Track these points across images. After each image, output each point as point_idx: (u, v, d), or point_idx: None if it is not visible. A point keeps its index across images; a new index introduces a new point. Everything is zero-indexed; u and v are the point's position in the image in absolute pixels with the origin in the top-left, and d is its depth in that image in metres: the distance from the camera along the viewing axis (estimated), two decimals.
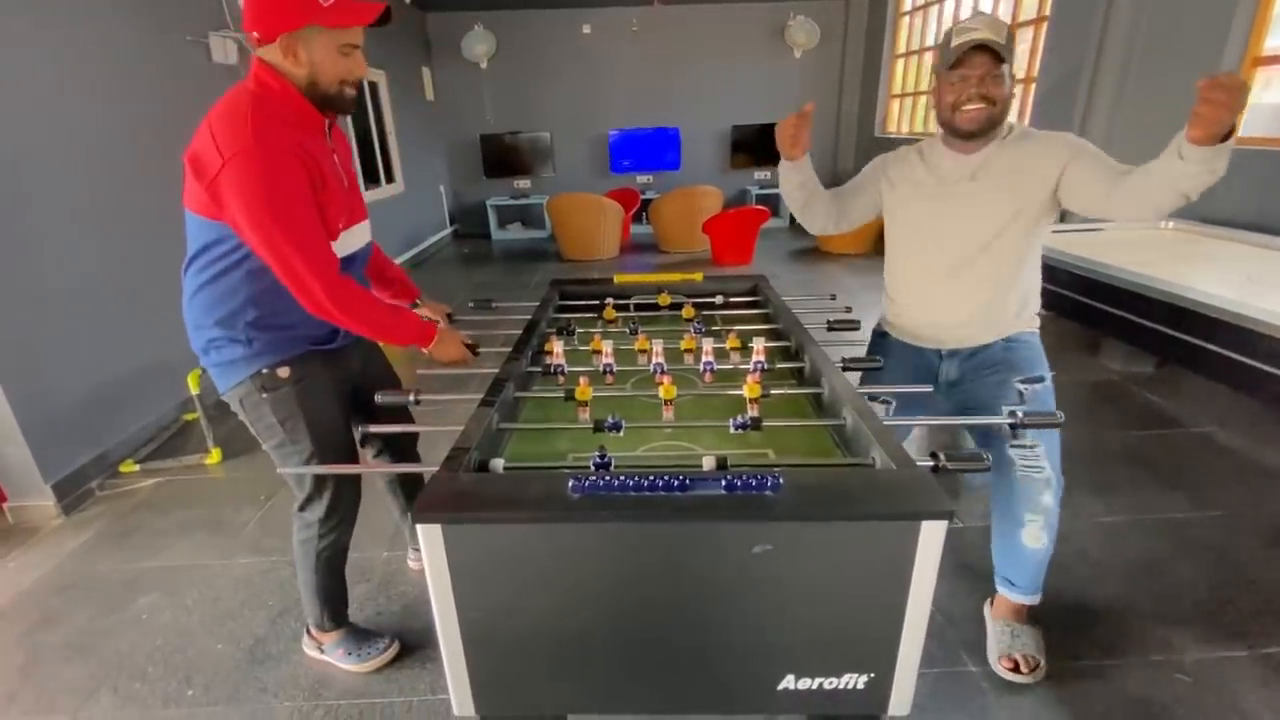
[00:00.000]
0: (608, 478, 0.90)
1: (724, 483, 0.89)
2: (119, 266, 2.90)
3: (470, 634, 0.95)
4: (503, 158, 7.82)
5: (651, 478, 0.90)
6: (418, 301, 1.79)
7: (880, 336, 1.81)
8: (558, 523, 0.88)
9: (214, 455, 2.84)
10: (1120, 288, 2.80)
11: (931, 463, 1.04)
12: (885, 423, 1.11)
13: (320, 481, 1.51)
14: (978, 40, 1.39)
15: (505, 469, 1.06)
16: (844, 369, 1.44)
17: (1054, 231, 3.45)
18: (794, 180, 1.72)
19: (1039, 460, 1.50)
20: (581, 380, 1.31)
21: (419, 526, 0.88)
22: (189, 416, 3.15)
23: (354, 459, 1.57)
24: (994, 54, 1.40)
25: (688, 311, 1.93)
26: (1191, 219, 3.39)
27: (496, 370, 1.43)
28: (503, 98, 7.78)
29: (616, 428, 1.19)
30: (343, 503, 1.56)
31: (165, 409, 3.12)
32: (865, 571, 0.90)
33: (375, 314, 1.34)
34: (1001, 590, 1.66)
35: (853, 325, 1.75)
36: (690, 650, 0.97)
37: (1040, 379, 1.60)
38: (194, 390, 2.76)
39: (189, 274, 1.33)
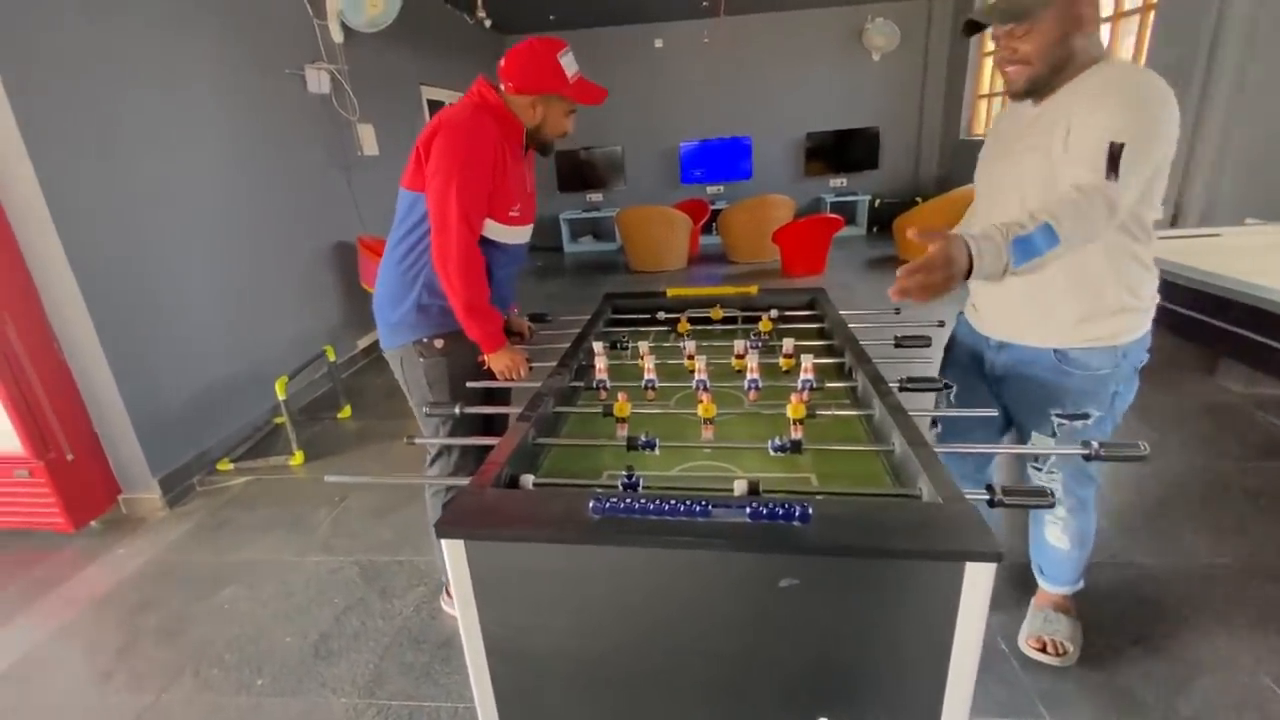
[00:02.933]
0: (629, 500, 0.88)
1: (749, 510, 0.85)
2: (222, 282, 3.18)
3: (493, 648, 0.95)
4: (575, 172, 7.99)
5: (673, 501, 0.87)
6: (509, 315, 1.90)
7: (960, 313, 1.67)
8: (576, 543, 0.87)
9: (297, 457, 3.03)
10: (1239, 302, 2.50)
11: (986, 496, 0.96)
12: (937, 449, 1.03)
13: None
14: (972, 18, 1.24)
15: (536, 485, 1.07)
16: (902, 389, 1.35)
17: (1159, 238, 3.13)
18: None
19: (1054, 484, 1.49)
20: (621, 396, 1.30)
21: (443, 542, 0.89)
22: (278, 420, 3.39)
23: (484, 425, 1.74)
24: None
25: (765, 325, 1.87)
26: None
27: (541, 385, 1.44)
28: (577, 114, 7.95)
29: (650, 446, 1.17)
30: (469, 460, 1.72)
31: (258, 412, 3.38)
32: (903, 614, 0.83)
33: (473, 292, 1.54)
34: (1036, 577, 1.72)
35: (922, 341, 1.64)
36: (715, 683, 0.93)
37: (1084, 416, 1.38)
38: (281, 396, 2.97)
39: (389, 245, 1.65)
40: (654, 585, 0.89)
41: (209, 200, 3.12)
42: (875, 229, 7.71)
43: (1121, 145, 1.10)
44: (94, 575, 2.35)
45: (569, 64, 1.56)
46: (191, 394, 2.95)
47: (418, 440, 1.32)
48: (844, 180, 7.90)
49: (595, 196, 8.19)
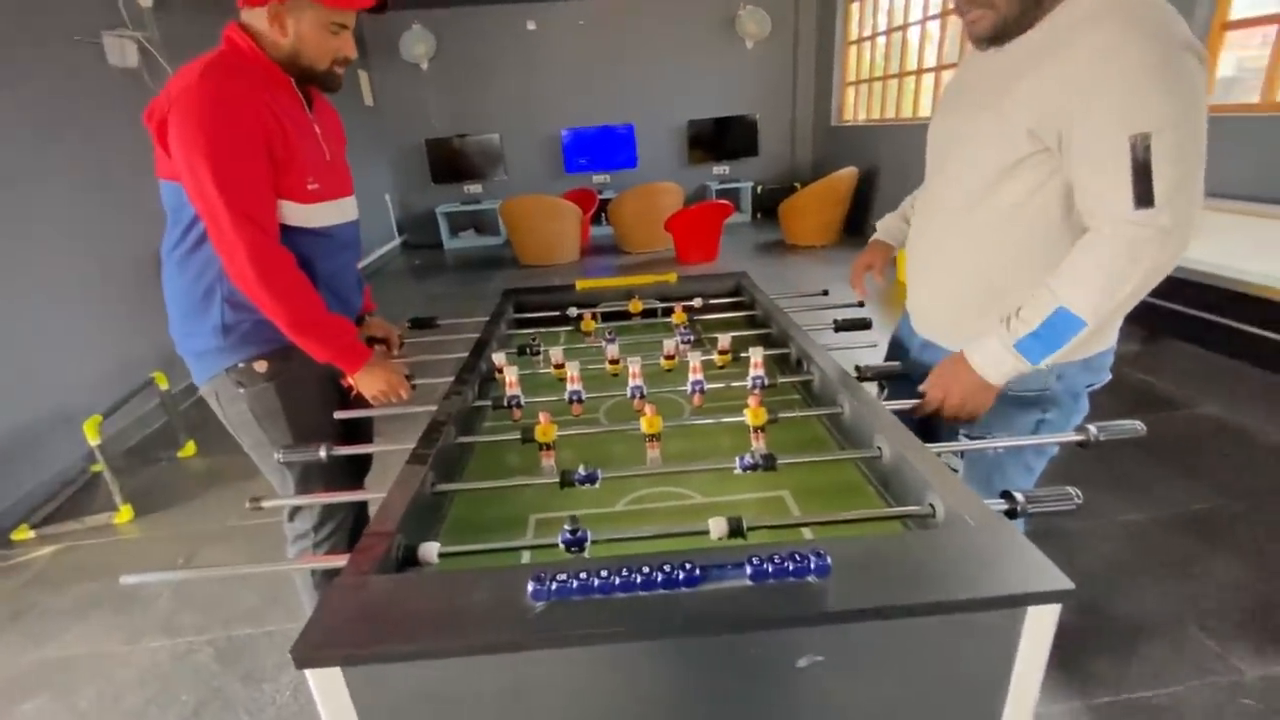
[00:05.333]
0: (584, 575, 0.63)
1: (750, 569, 0.63)
2: None
3: None
4: (451, 162, 7.44)
5: (648, 570, 0.63)
6: (365, 317, 1.53)
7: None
8: (513, 651, 0.60)
9: (124, 513, 2.45)
10: None
11: (1004, 505, 0.80)
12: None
13: (305, 486, 1.36)
14: None
15: (442, 555, 0.78)
16: (861, 379, 1.20)
17: None
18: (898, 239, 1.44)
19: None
20: (542, 417, 1.03)
21: (307, 673, 0.59)
22: (95, 468, 2.75)
23: (349, 468, 1.45)
24: None
25: (679, 316, 1.65)
26: None
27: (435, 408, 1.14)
28: (447, 100, 7.41)
29: (590, 480, 0.92)
30: (335, 508, 1.39)
31: (67, 462, 2.71)
32: (946, 678, 0.65)
33: (300, 303, 1.18)
34: None
35: (864, 324, 1.51)
36: None
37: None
38: (93, 440, 2.37)
39: (165, 253, 1.25)
40: (629, 693, 0.64)
41: None
42: (759, 215, 7.84)
43: (1146, 137, 0.81)
44: None
45: None
46: None
47: (266, 504, 0.97)
48: (726, 168, 7.95)
49: (474, 188, 7.68)
